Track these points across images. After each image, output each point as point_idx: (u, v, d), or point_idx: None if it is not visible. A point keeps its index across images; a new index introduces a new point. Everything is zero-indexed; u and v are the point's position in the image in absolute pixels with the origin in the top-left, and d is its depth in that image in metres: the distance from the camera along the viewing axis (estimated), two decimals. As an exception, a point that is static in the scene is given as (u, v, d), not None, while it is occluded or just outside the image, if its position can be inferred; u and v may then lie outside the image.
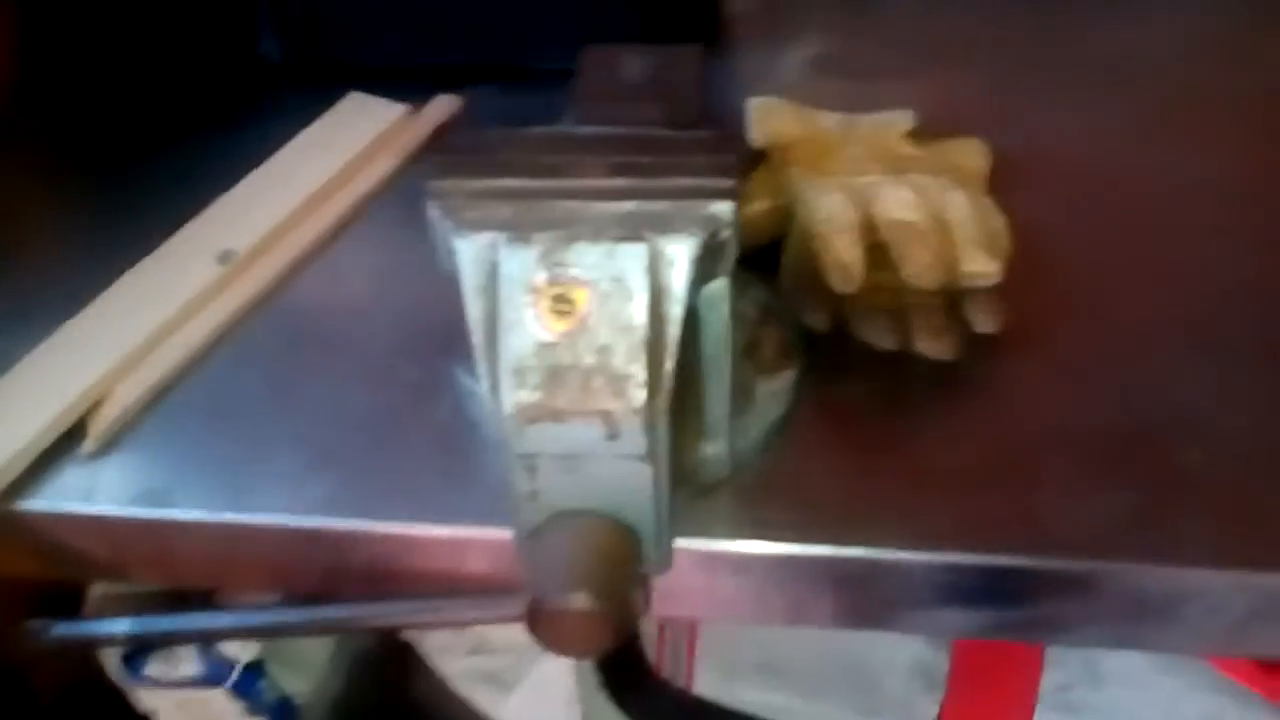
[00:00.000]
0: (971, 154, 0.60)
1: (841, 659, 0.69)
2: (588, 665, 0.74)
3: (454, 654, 0.75)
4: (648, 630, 0.76)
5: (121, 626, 0.39)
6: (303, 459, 0.49)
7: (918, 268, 0.50)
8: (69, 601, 0.75)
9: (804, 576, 0.45)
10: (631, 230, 0.35)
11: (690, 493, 0.45)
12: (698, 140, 0.39)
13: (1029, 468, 0.47)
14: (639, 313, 0.35)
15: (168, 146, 0.67)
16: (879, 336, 0.50)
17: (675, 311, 0.35)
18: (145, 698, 0.70)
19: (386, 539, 0.47)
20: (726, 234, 0.36)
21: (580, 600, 0.36)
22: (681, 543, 0.43)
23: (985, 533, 0.44)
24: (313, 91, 0.68)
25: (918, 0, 0.80)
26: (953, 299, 0.51)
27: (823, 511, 0.45)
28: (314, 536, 0.47)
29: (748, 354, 0.48)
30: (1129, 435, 0.48)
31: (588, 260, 0.35)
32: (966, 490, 0.46)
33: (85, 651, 0.73)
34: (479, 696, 0.74)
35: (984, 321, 0.50)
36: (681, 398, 0.39)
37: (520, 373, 0.35)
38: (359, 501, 0.47)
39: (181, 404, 0.52)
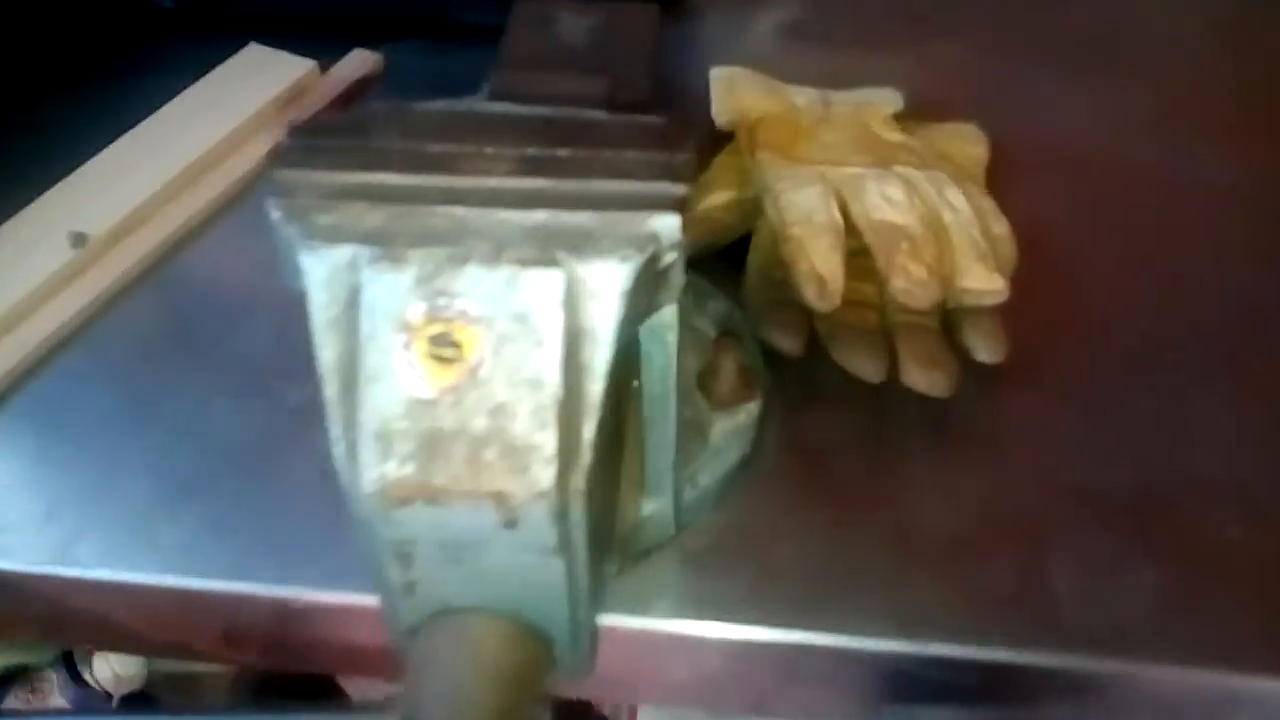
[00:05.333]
0: (967, 142, 0.55)
1: None
2: None
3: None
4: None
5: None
6: (154, 494, 0.42)
7: (908, 282, 0.43)
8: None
9: (764, 666, 0.38)
10: (542, 250, 0.26)
11: (628, 559, 0.38)
12: (641, 127, 0.30)
13: (1035, 533, 0.40)
14: (549, 363, 0.26)
15: (42, 102, 0.60)
16: (859, 364, 0.43)
17: (599, 361, 0.27)
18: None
19: (251, 602, 0.39)
20: (671, 257, 0.27)
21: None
22: (618, 620, 0.37)
23: (983, 617, 0.38)
24: (211, 41, 0.61)
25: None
26: (947, 320, 0.44)
27: (787, 585, 0.39)
28: (163, 595, 0.39)
29: (702, 384, 0.41)
30: (1150, 494, 0.42)
31: (481, 289, 0.26)
32: (961, 560, 0.39)
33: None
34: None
35: (985, 349, 0.43)
36: (615, 444, 0.31)
37: (385, 438, 0.26)
38: (218, 553, 0.40)
39: (16, 416, 0.45)
